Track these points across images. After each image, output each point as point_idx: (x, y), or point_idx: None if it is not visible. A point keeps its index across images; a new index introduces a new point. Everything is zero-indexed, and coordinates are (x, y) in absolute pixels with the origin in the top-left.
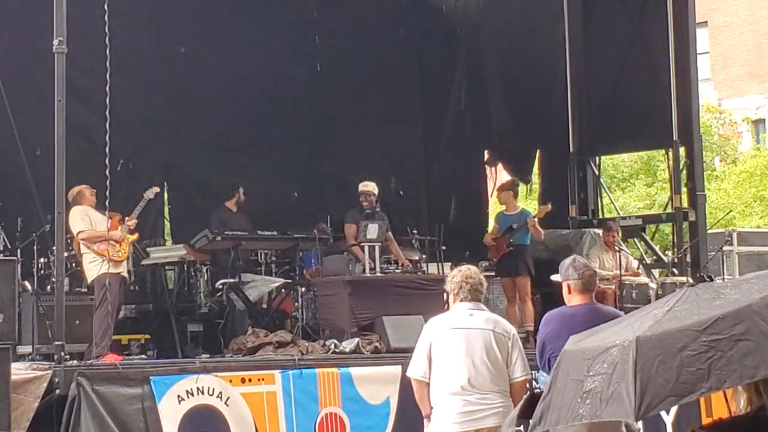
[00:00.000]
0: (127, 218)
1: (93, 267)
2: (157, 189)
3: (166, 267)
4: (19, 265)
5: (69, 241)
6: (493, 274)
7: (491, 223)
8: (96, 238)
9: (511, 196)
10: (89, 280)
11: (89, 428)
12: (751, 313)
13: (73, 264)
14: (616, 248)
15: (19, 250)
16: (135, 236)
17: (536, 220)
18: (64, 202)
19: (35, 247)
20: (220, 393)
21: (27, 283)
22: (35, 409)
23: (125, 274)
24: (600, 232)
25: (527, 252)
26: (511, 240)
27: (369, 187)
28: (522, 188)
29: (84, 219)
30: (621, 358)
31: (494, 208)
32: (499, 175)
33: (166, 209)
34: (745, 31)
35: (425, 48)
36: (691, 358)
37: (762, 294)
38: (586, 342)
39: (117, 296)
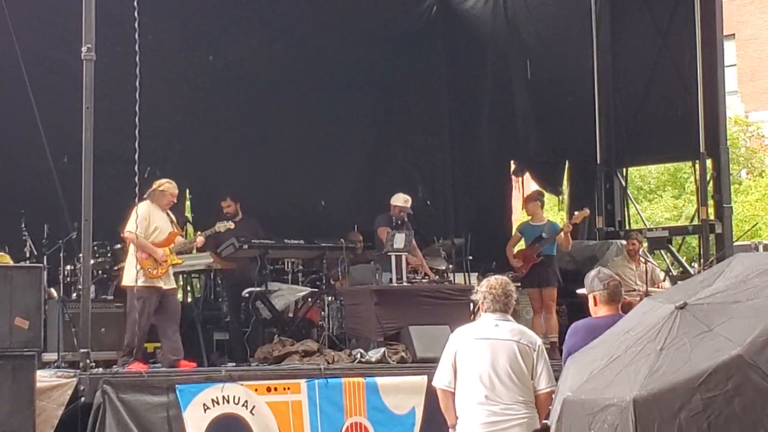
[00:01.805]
0: (198, 233)
1: (130, 271)
2: (231, 225)
3: (193, 275)
4: (45, 273)
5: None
6: (519, 285)
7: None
8: (140, 246)
9: (539, 206)
10: (122, 282)
11: None
12: (742, 365)
13: (99, 271)
14: (642, 259)
15: (45, 257)
16: (180, 261)
17: (571, 227)
18: (91, 209)
19: (61, 255)
20: (246, 402)
21: (53, 291)
22: (59, 416)
23: (167, 287)
24: (626, 243)
25: (555, 262)
26: (541, 250)
27: (409, 203)
28: (553, 199)
29: (141, 222)
30: (621, 421)
31: (518, 218)
32: (525, 186)
33: (190, 216)
34: None
35: (453, 58)
36: (689, 420)
37: (752, 332)
38: (585, 388)
39: (151, 309)
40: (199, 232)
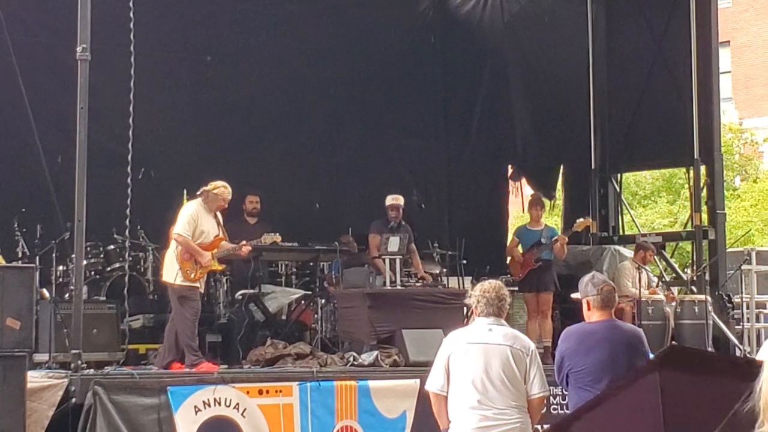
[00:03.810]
0: (244, 242)
1: (171, 270)
2: (278, 238)
3: None
4: (37, 273)
5: (143, 239)
6: (516, 289)
7: (510, 238)
8: (188, 249)
9: (540, 210)
10: (163, 278)
11: None
12: None
13: (92, 272)
14: (636, 265)
15: (37, 258)
16: (221, 267)
17: (566, 238)
18: (85, 210)
19: (54, 255)
20: (237, 404)
21: (45, 291)
22: (50, 417)
23: (202, 290)
24: (619, 248)
25: (552, 267)
26: (539, 255)
27: (399, 200)
28: (546, 204)
29: (190, 223)
30: None
31: (514, 222)
32: (523, 190)
33: None
34: None
35: (450, 62)
36: None
37: None
38: None
39: (198, 308)
40: (244, 242)
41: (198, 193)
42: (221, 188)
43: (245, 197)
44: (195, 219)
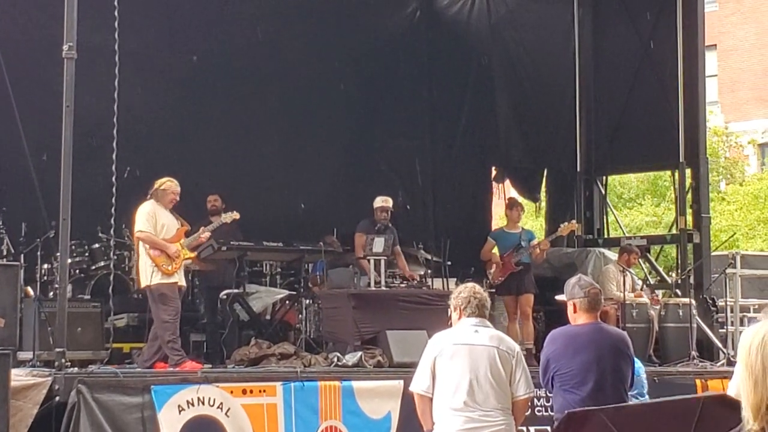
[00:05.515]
0: (203, 228)
1: (145, 273)
2: (236, 215)
3: None
4: (21, 271)
5: (128, 237)
6: (493, 291)
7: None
8: (153, 244)
9: (519, 212)
10: (140, 285)
11: None
12: None
13: (76, 270)
14: (621, 268)
15: (22, 256)
16: (192, 255)
17: (549, 245)
18: (70, 208)
19: (39, 253)
20: (221, 404)
21: (29, 289)
22: (34, 415)
23: (182, 283)
24: (604, 250)
25: (531, 269)
26: (519, 258)
27: (388, 203)
28: (530, 206)
29: (149, 220)
30: None
31: (498, 223)
32: (506, 192)
33: None
34: (754, 56)
35: (436, 63)
36: None
37: None
38: None
39: (178, 305)
40: (203, 228)
41: (148, 196)
42: (167, 183)
43: (207, 200)
44: (152, 215)
